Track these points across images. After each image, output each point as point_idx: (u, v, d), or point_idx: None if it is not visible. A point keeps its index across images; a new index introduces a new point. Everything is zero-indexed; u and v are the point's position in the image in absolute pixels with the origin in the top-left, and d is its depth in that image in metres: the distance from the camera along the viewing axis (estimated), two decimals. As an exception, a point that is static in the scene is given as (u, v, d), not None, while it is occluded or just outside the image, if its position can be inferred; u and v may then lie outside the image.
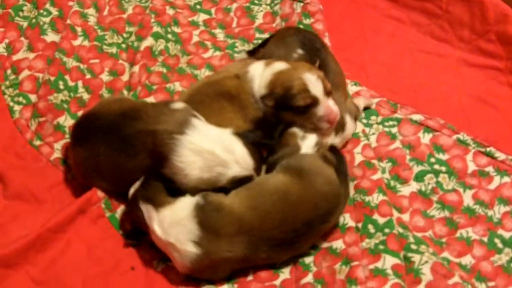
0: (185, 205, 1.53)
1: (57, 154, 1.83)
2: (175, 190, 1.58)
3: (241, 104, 1.73)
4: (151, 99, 1.94)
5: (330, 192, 1.56)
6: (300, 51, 1.84)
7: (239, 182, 1.58)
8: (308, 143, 1.68)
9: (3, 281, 1.52)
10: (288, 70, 1.68)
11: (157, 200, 1.55)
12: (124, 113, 1.64)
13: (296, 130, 1.69)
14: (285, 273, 1.58)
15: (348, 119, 1.77)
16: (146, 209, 1.54)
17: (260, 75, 1.71)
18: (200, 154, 1.56)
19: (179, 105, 1.66)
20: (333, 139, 1.73)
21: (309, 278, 1.55)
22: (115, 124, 1.62)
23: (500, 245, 1.63)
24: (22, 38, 2.07)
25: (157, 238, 1.53)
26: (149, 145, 1.59)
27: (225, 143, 1.59)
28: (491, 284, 1.56)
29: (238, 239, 1.50)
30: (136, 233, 1.61)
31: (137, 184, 1.59)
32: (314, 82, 1.64)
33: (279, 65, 1.70)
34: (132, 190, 1.59)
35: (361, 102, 1.89)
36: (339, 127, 1.73)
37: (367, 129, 1.87)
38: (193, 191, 1.57)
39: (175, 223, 1.51)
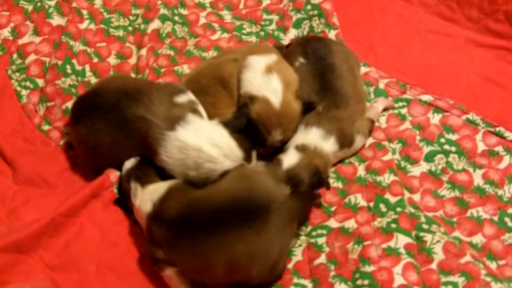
0: (170, 182, 1.57)
1: (66, 139, 1.83)
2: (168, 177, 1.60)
3: (231, 89, 1.72)
4: (166, 82, 1.93)
5: (254, 189, 1.50)
6: (301, 60, 1.78)
7: None
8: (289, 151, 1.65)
9: (16, 266, 1.51)
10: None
11: (146, 179, 1.59)
12: (128, 92, 1.63)
13: None
14: (297, 255, 1.60)
15: (358, 138, 1.73)
16: (134, 186, 1.59)
17: (256, 72, 1.68)
18: (186, 152, 1.55)
19: (183, 98, 1.65)
20: (336, 151, 1.69)
21: (322, 258, 1.57)
22: (117, 102, 1.62)
23: (510, 224, 1.65)
24: (28, 22, 2.04)
25: (136, 211, 1.58)
26: (142, 133, 1.59)
27: (213, 138, 1.57)
28: (501, 262, 1.58)
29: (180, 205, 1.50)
30: (124, 201, 1.65)
31: (133, 161, 1.63)
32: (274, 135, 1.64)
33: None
34: (128, 165, 1.63)
35: (379, 105, 1.85)
36: (346, 143, 1.70)
37: (377, 111, 1.87)
38: None
39: (153, 192, 1.55)
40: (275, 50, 1.84)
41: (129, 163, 1.64)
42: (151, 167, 1.62)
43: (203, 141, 1.55)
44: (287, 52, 1.87)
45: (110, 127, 1.62)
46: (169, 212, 1.49)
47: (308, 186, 1.58)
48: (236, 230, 1.43)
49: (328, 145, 1.66)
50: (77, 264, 1.57)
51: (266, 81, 1.65)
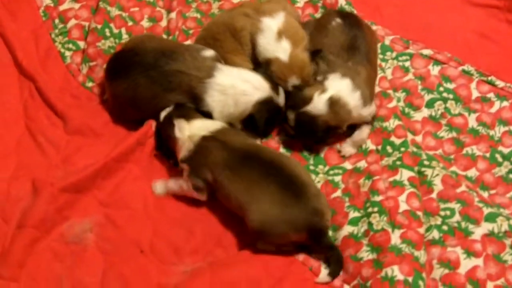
0: (218, 122, 1.79)
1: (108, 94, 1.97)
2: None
3: (241, 40, 1.93)
4: (188, 43, 2.10)
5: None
6: (338, 20, 1.94)
7: (263, 105, 1.81)
8: (323, 96, 1.79)
9: (75, 203, 1.72)
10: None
11: (190, 115, 1.79)
12: (164, 52, 1.84)
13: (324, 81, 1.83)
14: (317, 190, 1.78)
15: (372, 103, 1.85)
16: (178, 123, 1.77)
17: (269, 38, 1.88)
18: (225, 93, 1.80)
19: (209, 53, 1.87)
20: (359, 107, 1.81)
21: (338, 193, 1.78)
22: (156, 61, 1.83)
23: (500, 159, 1.85)
24: (67, -10, 2.20)
25: (181, 144, 1.74)
26: (184, 85, 1.81)
27: (243, 76, 1.82)
28: (492, 192, 1.79)
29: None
30: (164, 145, 1.83)
31: (168, 109, 1.81)
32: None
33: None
34: (163, 113, 1.81)
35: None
36: (368, 99, 1.82)
37: (383, 64, 2.04)
38: None
39: (204, 125, 1.76)
40: (283, 1, 2.04)
41: (164, 111, 1.81)
42: (190, 106, 1.82)
43: (235, 79, 1.81)
44: (321, 18, 2.04)
45: (150, 83, 1.82)
46: (233, 143, 1.70)
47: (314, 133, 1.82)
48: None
49: (354, 100, 1.79)
50: (126, 202, 1.77)
51: (278, 45, 1.88)
